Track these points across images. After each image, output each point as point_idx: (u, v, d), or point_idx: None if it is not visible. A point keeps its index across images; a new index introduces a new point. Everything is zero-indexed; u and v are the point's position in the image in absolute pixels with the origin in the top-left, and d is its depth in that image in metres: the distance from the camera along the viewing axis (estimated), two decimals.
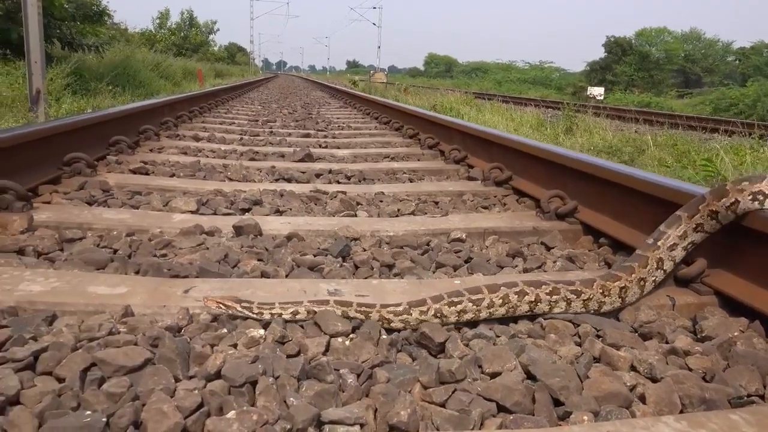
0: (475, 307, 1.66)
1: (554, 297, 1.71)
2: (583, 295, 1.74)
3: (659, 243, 1.86)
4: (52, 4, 12.78)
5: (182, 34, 50.94)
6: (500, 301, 1.67)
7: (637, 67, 55.56)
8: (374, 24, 63.09)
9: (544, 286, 1.71)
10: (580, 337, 1.63)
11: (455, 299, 1.65)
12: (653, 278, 1.84)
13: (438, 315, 1.64)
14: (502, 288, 1.69)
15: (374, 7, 65.68)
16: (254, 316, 1.62)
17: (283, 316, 1.63)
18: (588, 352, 1.52)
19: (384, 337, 1.56)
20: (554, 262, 2.31)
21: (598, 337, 1.62)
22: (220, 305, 1.61)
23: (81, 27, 15.37)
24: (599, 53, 61.81)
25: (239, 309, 1.62)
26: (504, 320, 1.72)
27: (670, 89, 49.52)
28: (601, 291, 1.75)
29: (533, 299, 1.70)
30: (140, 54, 20.61)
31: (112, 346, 1.42)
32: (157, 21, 49.22)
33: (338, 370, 1.38)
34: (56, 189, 3.00)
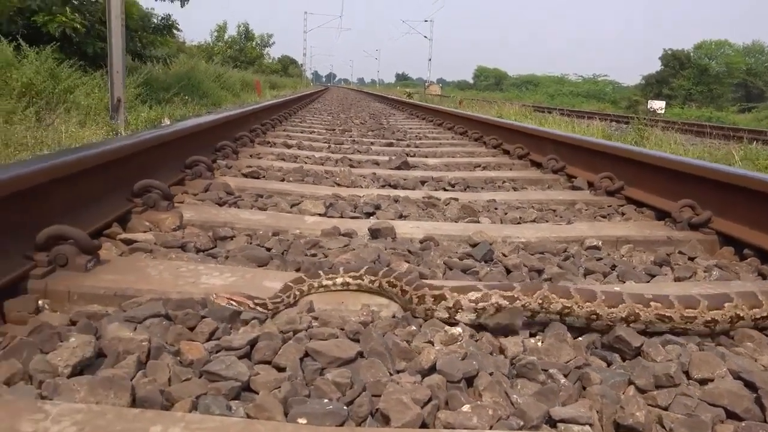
0: None
1: None
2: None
3: None
4: (129, 17, 13.23)
5: (238, 47, 52.12)
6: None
7: (695, 80, 54.16)
8: (425, 37, 63.33)
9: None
10: None
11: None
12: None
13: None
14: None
15: (426, 20, 65.95)
16: (268, 311, 1.60)
17: (291, 302, 1.67)
18: None
19: (580, 339, 1.55)
20: (704, 271, 2.26)
21: None
22: (230, 301, 1.55)
23: (152, 38, 15.88)
24: (655, 66, 60.53)
25: (251, 305, 1.57)
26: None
27: (731, 104, 48.07)
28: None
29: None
30: (203, 66, 21.24)
31: (316, 339, 1.45)
32: (215, 34, 50.54)
33: (546, 370, 1.38)
34: (186, 190, 3.10)
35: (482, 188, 3.94)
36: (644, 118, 12.19)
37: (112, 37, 9.01)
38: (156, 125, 9.95)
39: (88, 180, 2.22)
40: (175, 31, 17.59)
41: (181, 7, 14.76)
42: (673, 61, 55.32)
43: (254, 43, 55.36)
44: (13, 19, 11.52)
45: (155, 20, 16.27)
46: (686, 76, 54.28)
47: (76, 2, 12.68)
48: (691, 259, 2.44)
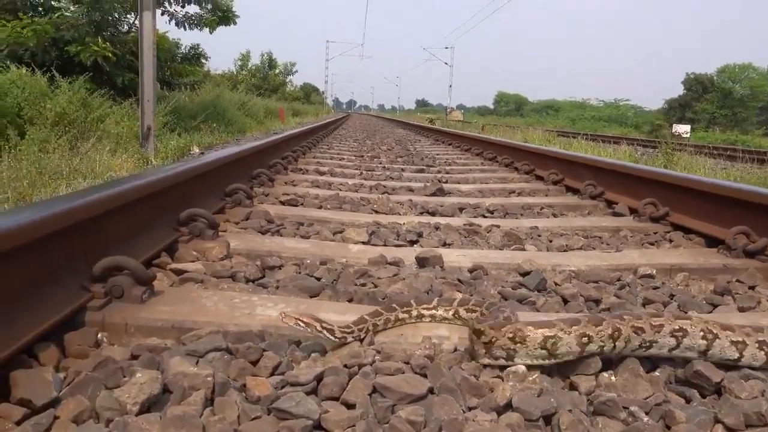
0: None
1: None
2: None
3: None
4: (159, 49, 13.50)
5: (261, 75, 52.89)
6: None
7: (719, 104, 53.74)
8: (446, 63, 63.72)
9: None
10: None
11: None
12: None
13: None
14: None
15: (446, 47, 66.54)
16: (335, 338, 1.56)
17: (361, 336, 1.61)
18: None
19: (656, 373, 1.49)
20: None
21: None
22: (299, 322, 1.54)
23: (180, 68, 16.16)
24: (677, 90, 60.29)
25: (318, 329, 1.54)
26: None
27: (756, 127, 47.52)
28: None
29: None
30: (227, 94, 21.55)
31: (382, 374, 1.41)
32: (239, 63, 51.37)
33: (627, 407, 1.31)
34: (227, 218, 3.09)
35: (521, 215, 3.88)
36: (672, 143, 12.04)
37: (144, 67, 9.16)
38: (186, 153, 10.07)
39: (138, 210, 2.22)
40: (203, 60, 17.91)
41: (210, 33, 15.01)
42: (696, 85, 54.99)
43: (277, 71, 56.19)
44: (47, 50, 11.80)
45: (183, 50, 16.58)
46: (710, 99, 53.90)
47: (106, 34, 12.97)
48: (752, 287, 2.36)
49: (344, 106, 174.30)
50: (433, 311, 1.75)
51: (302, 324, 1.54)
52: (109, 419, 1.19)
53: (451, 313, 1.74)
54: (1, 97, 9.11)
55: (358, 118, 43.65)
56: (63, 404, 1.22)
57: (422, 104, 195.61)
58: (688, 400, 1.42)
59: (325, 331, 1.55)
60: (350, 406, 1.29)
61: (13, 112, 9.05)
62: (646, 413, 1.31)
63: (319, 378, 1.36)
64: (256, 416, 1.22)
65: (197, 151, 10.27)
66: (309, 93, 79.22)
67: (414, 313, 1.74)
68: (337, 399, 1.31)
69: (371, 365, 1.45)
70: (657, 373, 1.49)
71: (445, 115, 47.04)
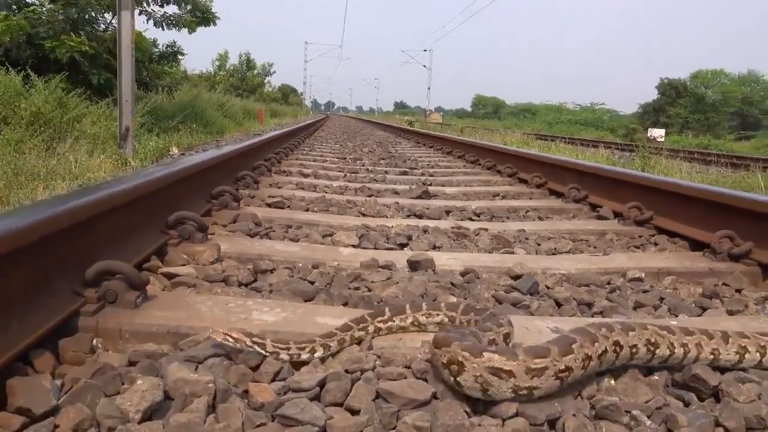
0: None
1: None
2: None
3: None
4: (137, 49, 13.33)
5: (239, 75, 52.54)
6: None
7: (692, 109, 54.60)
8: (424, 66, 63.94)
9: None
10: None
11: None
12: None
13: None
14: None
15: (425, 50, 66.73)
16: (266, 353, 1.46)
17: (302, 356, 1.49)
18: None
19: (655, 377, 1.50)
20: (755, 304, 2.21)
21: None
22: (227, 338, 1.44)
23: (159, 70, 15.96)
24: (651, 95, 61.25)
25: (248, 343, 1.45)
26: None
27: (728, 132, 48.42)
28: None
29: None
30: (206, 95, 21.33)
31: (385, 379, 1.40)
32: (217, 63, 50.99)
33: (629, 411, 1.32)
34: (215, 221, 3.05)
35: (508, 218, 3.90)
36: (649, 147, 12.22)
37: (122, 67, 9.01)
38: (164, 154, 9.94)
39: (126, 213, 2.18)
40: (179, 57, 17.69)
41: (190, 33, 14.85)
42: (670, 89, 55.80)
43: (255, 71, 55.89)
44: (21, 47, 11.58)
45: (160, 48, 16.38)
46: (683, 104, 54.72)
47: (83, 32, 12.76)
48: (738, 291, 2.40)
49: (322, 108, 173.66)
50: (389, 323, 1.71)
51: (231, 339, 1.45)
52: (110, 428, 1.17)
53: (409, 321, 1.72)
54: None
55: (337, 119, 43.57)
56: (62, 413, 1.19)
57: (401, 106, 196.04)
58: (686, 404, 1.43)
59: (256, 346, 1.46)
60: (355, 412, 1.28)
61: None
62: (648, 417, 1.32)
63: (321, 383, 1.35)
64: (261, 423, 1.21)
65: (176, 151, 10.15)
66: (287, 94, 78.93)
67: (371, 328, 1.67)
68: (341, 405, 1.31)
69: (373, 370, 1.44)
70: (655, 377, 1.50)
71: (424, 118, 47.20)
